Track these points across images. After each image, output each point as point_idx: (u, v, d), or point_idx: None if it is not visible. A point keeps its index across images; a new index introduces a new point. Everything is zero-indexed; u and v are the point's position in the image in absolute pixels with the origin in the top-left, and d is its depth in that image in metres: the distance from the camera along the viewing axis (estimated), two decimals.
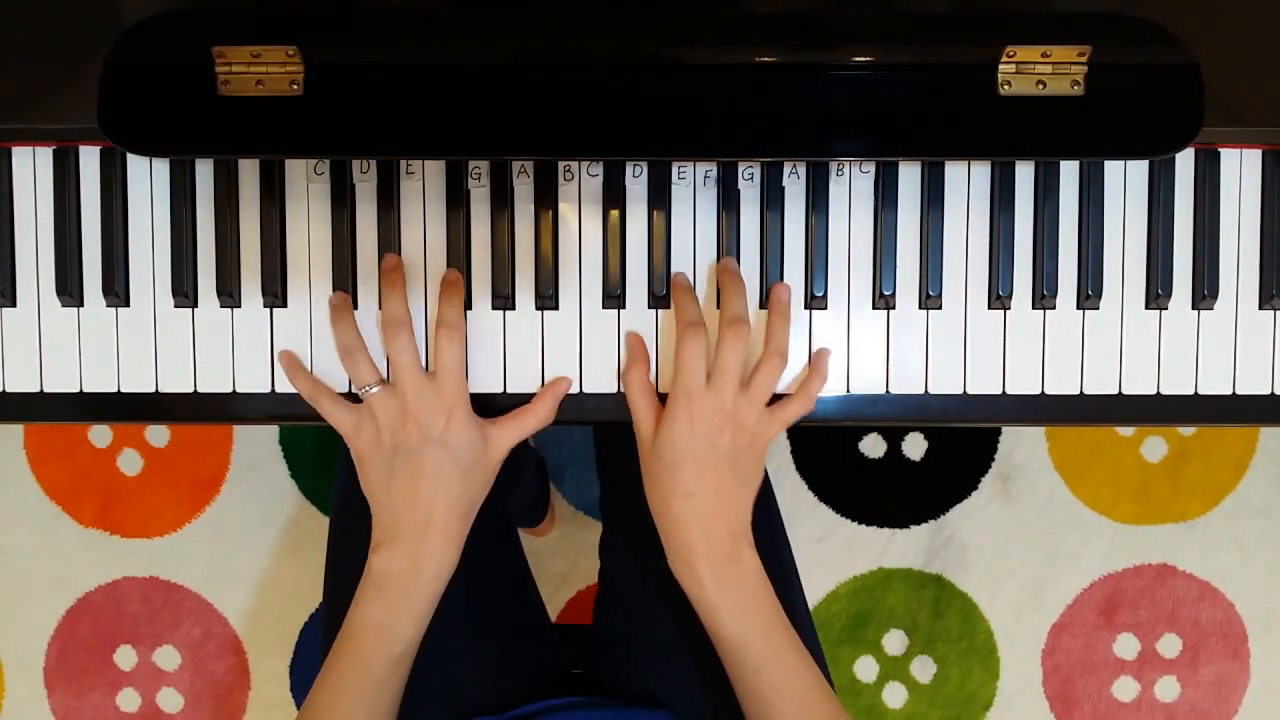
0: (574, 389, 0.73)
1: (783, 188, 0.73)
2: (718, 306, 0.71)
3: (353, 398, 0.71)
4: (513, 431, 0.71)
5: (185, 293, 0.72)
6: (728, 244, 0.72)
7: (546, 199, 0.72)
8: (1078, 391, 0.73)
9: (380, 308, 0.71)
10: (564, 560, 1.42)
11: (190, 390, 0.73)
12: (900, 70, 0.67)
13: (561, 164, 0.72)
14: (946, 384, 0.73)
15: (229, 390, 0.73)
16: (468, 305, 0.72)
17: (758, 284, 0.73)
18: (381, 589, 0.68)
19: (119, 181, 0.72)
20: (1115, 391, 0.73)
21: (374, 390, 0.68)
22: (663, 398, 0.71)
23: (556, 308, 0.73)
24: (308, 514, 1.42)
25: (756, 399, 0.69)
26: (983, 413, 0.74)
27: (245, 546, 1.42)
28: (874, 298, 0.73)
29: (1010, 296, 0.73)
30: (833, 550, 1.40)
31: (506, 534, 0.90)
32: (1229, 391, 0.74)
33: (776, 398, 0.71)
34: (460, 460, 0.68)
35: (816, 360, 0.72)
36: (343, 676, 0.68)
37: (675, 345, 0.69)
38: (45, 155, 0.72)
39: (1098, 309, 0.73)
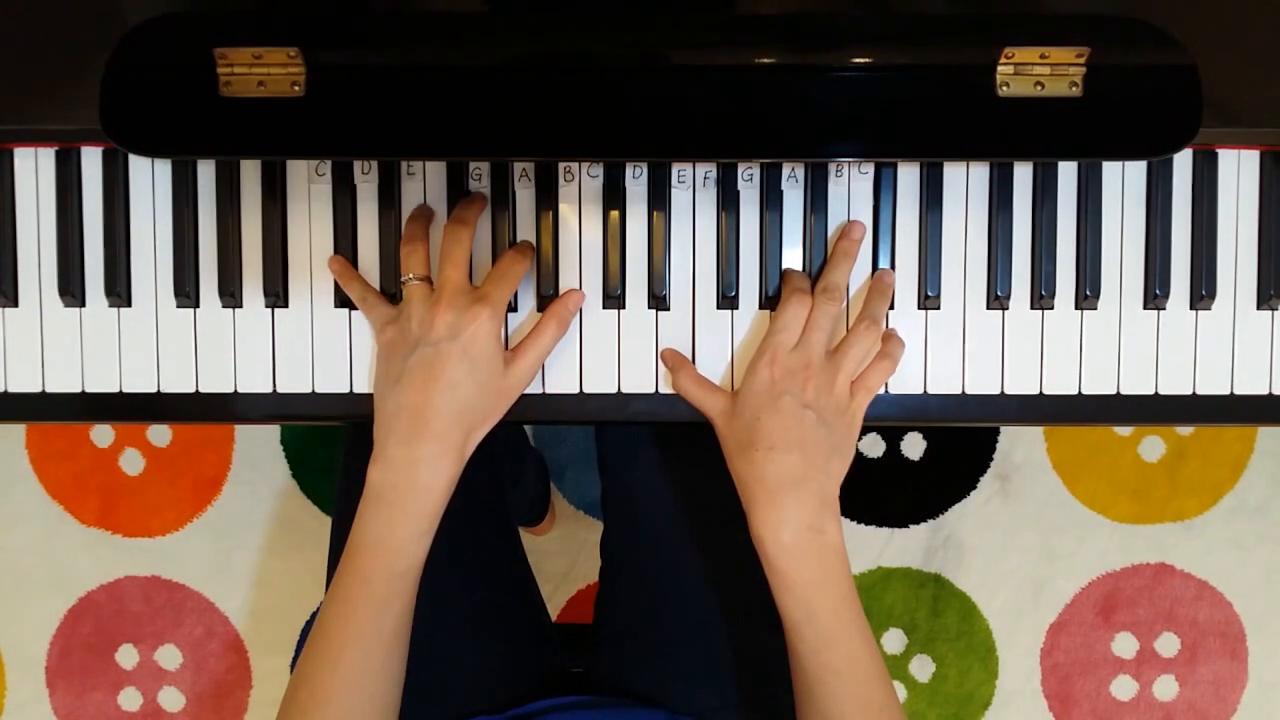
0: (574, 389, 0.73)
1: (782, 189, 0.73)
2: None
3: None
4: (530, 355, 0.70)
5: (187, 293, 0.72)
6: (727, 245, 0.72)
7: (547, 200, 0.72)
8: (1076, 391, 0.74)
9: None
10: (564, 560, 1.42)
11: (192, 390, 0.73)
12: (899, 71, 0.67)
13: (562, 165, 0.73)
14: (945, 384, 0.73)
15: (230, 390, 0.73)
16: None
17: (756, 285, 0.73)
18: (379, 501, 0.66)
19: (121, 182, 0.72)
20: (1113, 391, 0.74)
21: (416, 281, 0.68)
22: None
23: None
24: (309, 514, 1.42)
25: (844, 360, 0.68)
26: (981, 412, 0.74)
27: (247, 546, 1.42)
28: None
29: (1009, 297, 0.73)
30: None
31: (507, 533, 0.90)
32: (1227, 391, 0.74)
33: None
34: (476, 370, 0.66)
35: (888, 331, 0.72)
36: (347, 598, 0.67)
37: (779, 306, 0.69)
38: (48, 156, 0.73)
39: (1096, 309, 0.73)
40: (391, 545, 0.66)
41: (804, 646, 0.67)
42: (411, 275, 0.68)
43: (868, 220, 0.73)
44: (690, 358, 0.73)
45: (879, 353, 0.70)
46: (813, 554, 0.66)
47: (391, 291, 0.72)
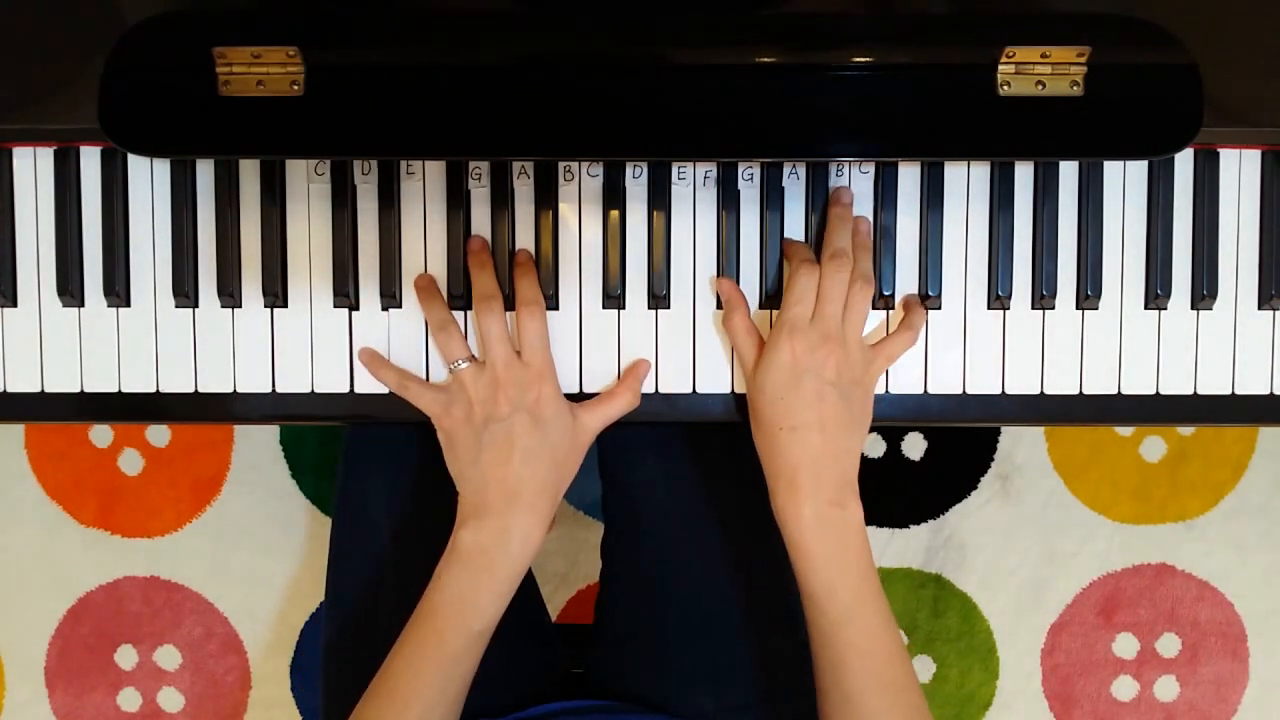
0: (574, 389, 0.73)
1: (782, 188, 0.73)
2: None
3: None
4: (599, 415, 0.71)
5: (186, 293, 0.72)
6: (728, 244, 0.72)
7: (546, 199, 0.72)
8: (1077, 391, 0.73)
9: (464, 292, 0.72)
10: (564, 560, 1.42)
11: (191, 390, 0.73)
12: (900, 71, 0.67)
13: (561, 164, 0.72)
14: (946, 384, 0.73)
15: (230, 390, 0.73)
16: (468, 306, 0.72)
17: (757, 285, 0.73)
18: (466, 564, 0.67)
19: (120, 182, 0.72)
20: (1114, 391, 0.74)
21: (464, 365, 0.68)
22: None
23: (556, 307, 0.73)
24: (308, 514, 1.42)
25: (852, 326, 0.69)
26: (982, 413, 0.74)
27: (246, 546, 1.42)
28: (873, 298, 0.73)
29: (1010, 296, 0.73)
30: None
31: None
32: (1228, 391, 0.74)
33: None
34: (549, 436, 0.68)
35: (909, 300, 0.72)
36: (419, 651, 0.67)
37: (788, 280, 0.69)
38: (46, 155, 0.73)
39: (1097, 309, 0.73)
40: (473, 606, 0.67)
41: (825, 621, 0.67)
42: (459, 360, 0.69)
43: (868, 219, 0.73)
44: (690, 357, 0.73)
45: (902, 323, 0.71)
46: (833, 529, 0.67)
47: (390, 292, 0.72)
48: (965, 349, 0.73)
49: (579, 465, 0.71)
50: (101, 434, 1.43)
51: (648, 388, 0.73)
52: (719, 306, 0.73)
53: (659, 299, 0.72)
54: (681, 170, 0.73)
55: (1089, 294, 0.73)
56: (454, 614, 0.67)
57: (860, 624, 0.67)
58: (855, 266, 0.70)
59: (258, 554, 1.42)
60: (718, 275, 0.72)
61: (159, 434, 1.42)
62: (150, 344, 0.73)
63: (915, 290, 0.73)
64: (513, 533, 0.67)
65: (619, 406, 0.71)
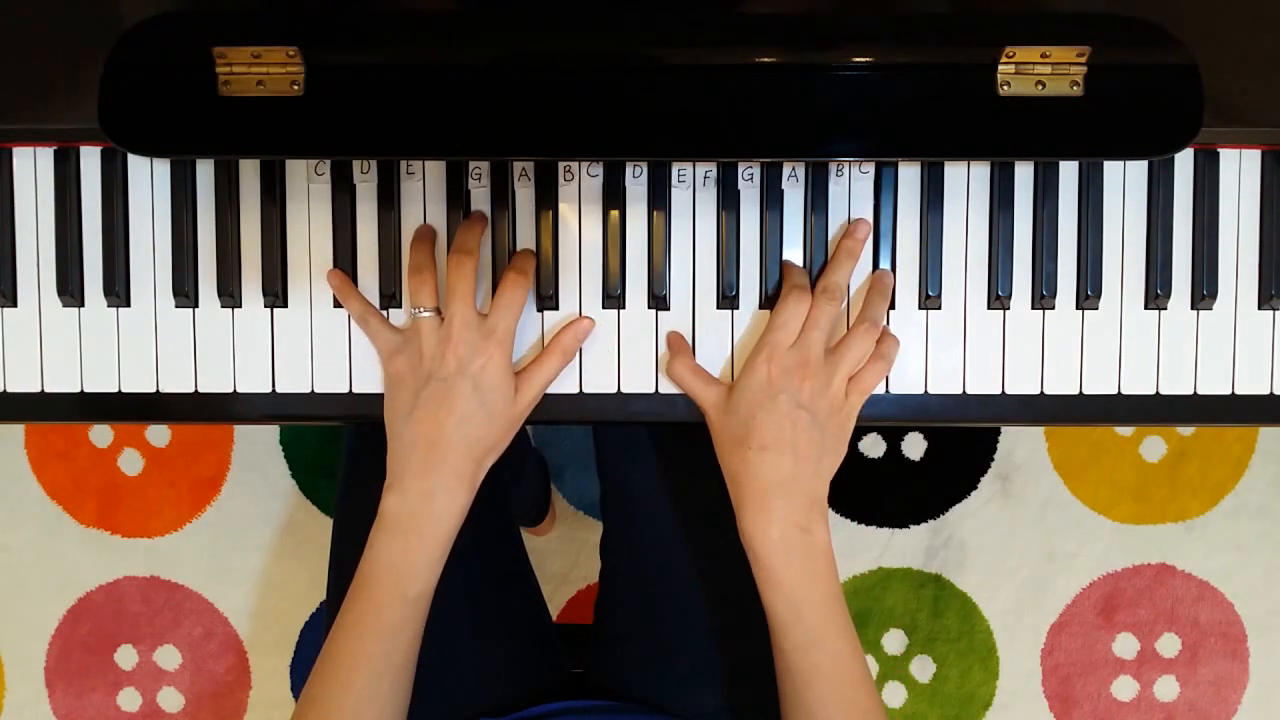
0: (574, 389, 0.73)
1: (782, 189, 0.73)
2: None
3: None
4: (534, 388, 0.70)
5: (186, 293, 0.72)
6: (728, 244, 0.72)
7: (546, 199, 0.72)
8: (1077, 391, 0.73)
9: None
10: (564, 560, 1.42)
11: (191, 390, 0.73)
12: (900, 71, 0.67)
13: (561, 164, 0.72)
14: (946, 384, 0.73)
15: (229, 390, 0.73)
16: None
17: (757, 285, 0.73)
18: (394, 529, 0.67)
19: (120, 182, 0.72)
20: (1114, 391, 0.73)
21: (426, 314, 0.68)
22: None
23: (556, 308, 0.73)
24: (308, 514, 1.42)
25: (841, 361, 0.68)
26: (982, 412, 0.74)
27: (246, 546, 1.42)
28: None
29: (1010, 297, 0.73)
30: None
31: (508, 533, 0.90)
32: (1228, 391, 0.74)
33: None
34: (487, 403, 0.67)
35: (884, 331, 0.72)
36: (358, 622, 0.68)
37: (778, 303, 0.69)
38: (46, 155, 0.73)
39: (1097, 309, 0.73)
40: (405, 571, 0.67)
41: (789, 645, 0.67)
42: (421, 308, 0.68)
43: (868, 220, 0.73)
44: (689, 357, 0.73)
45: (874, 353, 0.70)
46: (800, 552, 0.67)
47: (390, 292, 0.72)
48: (965, 349, 0.73)
49: (513, 435, 0.70)
50: (101, 434, 1.43)
51: (648, 388, 0.73)
52: (719, 306, 0.73)
53: (659, 299, 0.72)
54: (681, 170, 0.73)
55: (1089, 294, 0.73)
56: (389, 581, 0.67)
57: (826, 647, 0.67)
58: (866, 310, 0.70)
59: (257, 554, 1.42)
60: (718, 275, 0.72)
61: (159, 434, 1.43)
62: (150, 344, 0.73)
63: (915, 290, 0.73)
64: (436, 494, 0.67)
65: (549, 370, 0.70)
